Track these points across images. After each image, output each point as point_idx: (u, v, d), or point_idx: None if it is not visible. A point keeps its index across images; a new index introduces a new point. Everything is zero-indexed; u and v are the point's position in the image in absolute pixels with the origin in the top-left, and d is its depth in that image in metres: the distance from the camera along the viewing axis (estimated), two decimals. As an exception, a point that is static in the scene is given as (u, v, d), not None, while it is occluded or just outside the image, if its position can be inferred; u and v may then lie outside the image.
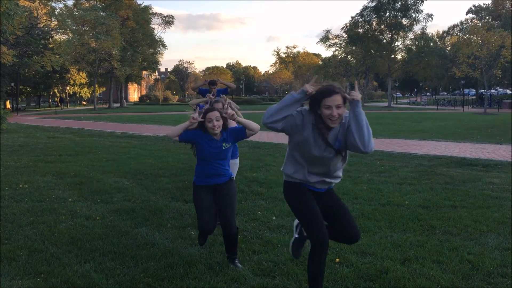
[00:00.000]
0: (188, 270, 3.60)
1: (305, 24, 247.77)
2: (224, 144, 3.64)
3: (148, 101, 74.28)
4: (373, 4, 52.55)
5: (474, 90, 61.68)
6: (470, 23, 57.85)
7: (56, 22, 43.36)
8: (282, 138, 14.15)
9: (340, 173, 3.00)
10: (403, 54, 57.00)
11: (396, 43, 54.66)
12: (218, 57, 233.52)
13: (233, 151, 4.44)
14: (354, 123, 2.68)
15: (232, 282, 3.39)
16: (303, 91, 2.70)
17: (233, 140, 3.70)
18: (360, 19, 54.18)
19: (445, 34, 67.85)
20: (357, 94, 2.68)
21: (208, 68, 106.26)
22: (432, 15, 53.14)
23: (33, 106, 61.79)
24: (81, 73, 53.28)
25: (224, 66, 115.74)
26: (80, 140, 14.52)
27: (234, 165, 4.85)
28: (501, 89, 64.93)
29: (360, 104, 2.69)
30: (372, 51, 53.73)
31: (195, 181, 3.77)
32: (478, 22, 54.83)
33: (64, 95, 60.61)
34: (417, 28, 55.98)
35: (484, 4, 60.27)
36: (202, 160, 3.68)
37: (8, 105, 48.60)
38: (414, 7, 51.05)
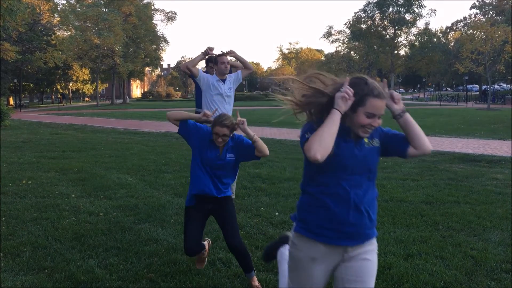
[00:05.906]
0: (191, 266, 3.60)
1: (306, 24, 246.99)
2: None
3: (151, 97, 74.34)
4: (376, -1, 52.37)
5: (477, 85, 61.48)
6: (473, 18, 57.58)
7: (58, 19, 43.44)
8: (284, 135, 14.13)
9: None
10: (406, 49, 56.86)
11: (399, 39, 54.56)
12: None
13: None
14: None
15: (235, 278, 3.40)
16: None
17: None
18: (363, 15, 54.05)
19: (448, 30, 67.60)
20: None
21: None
22: (435, 10, 53.02)
23: (36, 102, 62.03)
24: (83, 69, 53.39)
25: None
26: (83, 136, 14.55)
27: None
28: (505, 85, 64.67)
29: None
30: (375, 46, 53.65)
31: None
32: (482, 17, 54.56)
33: (67, 92, 60.79)
34: (420, 23, 55.84)
35: (487, -1, 59.89)
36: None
37: (11, 101, 48.76)
38: (417, 2, 50.89)
